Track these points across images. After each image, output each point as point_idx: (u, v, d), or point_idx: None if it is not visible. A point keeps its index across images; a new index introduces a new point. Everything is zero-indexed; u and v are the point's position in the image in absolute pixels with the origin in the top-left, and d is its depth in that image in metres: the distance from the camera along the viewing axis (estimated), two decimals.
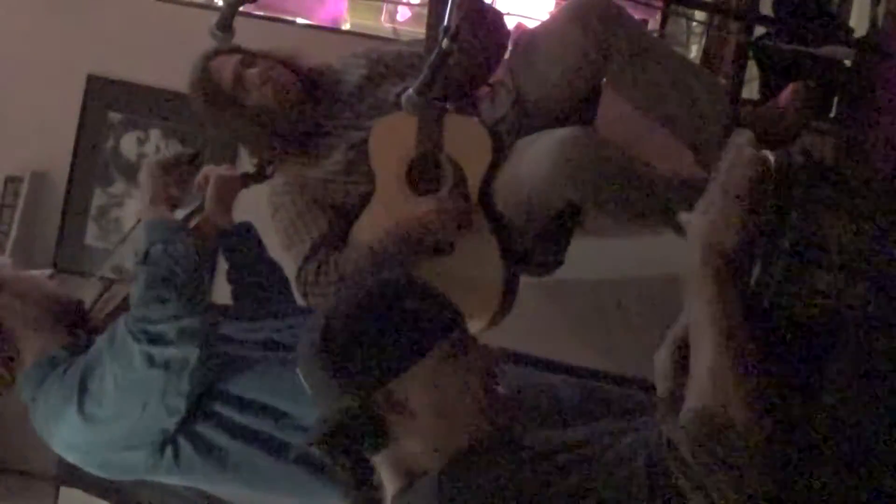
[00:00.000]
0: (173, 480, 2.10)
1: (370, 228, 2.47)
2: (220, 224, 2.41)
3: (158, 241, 2.04)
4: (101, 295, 2.21)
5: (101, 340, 2.02)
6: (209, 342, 2.00)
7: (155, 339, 1.95)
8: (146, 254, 2.02)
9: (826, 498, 1.37)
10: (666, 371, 1.47)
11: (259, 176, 2.50)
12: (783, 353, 1.41)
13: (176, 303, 1.97)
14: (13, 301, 2.08)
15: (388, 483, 1.50)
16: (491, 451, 1.44)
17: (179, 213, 2.35)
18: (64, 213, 3.54)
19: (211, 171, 2.44)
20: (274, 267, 2.47)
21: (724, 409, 1.33)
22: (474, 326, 2.43)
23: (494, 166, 2.41)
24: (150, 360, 1.94)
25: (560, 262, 2.55)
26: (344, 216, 2.52)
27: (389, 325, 1.45)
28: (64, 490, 2.92)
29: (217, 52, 2.50)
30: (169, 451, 2.01)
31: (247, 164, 2.74)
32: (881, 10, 2.63)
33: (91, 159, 3.52)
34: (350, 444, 1.47)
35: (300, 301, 2.47)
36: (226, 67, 2.47)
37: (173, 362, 1.95)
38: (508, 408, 1.51)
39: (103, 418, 1.97)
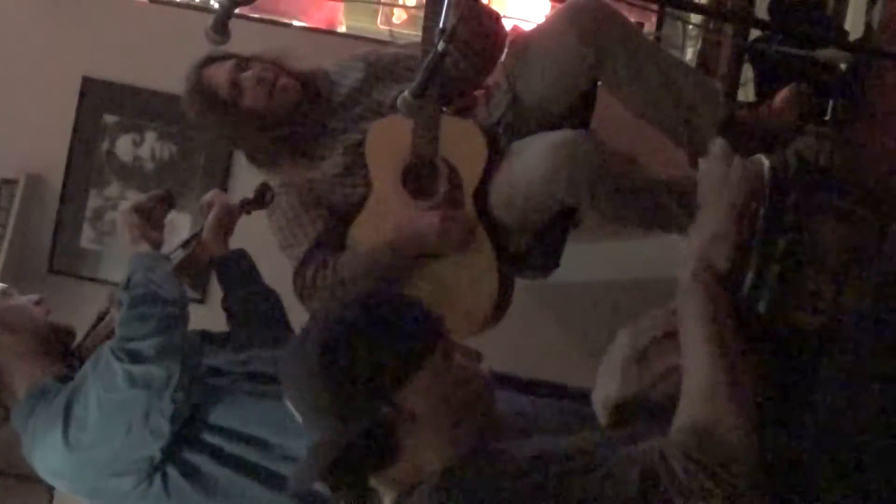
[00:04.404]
0: None
1: (367, 230, 2.48)
2: (215, 251, 2.40)
3: (139, 269, 2.10)
4: (95, 324, 2.21)
5: (87, 364, 2.03)
6: (191, 361, 2.01)
7: (136, 357, 1.96)
8: (128, 280, 2.08)
9: None
10: (618, 375, 1.46)
11: (259, 202, 2.50)
12: (777, 359, 1.41)
13: (156, 320, 2.00)
14: (1, 334, 2.08)
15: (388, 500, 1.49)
16: (487, 460, 1.44)
17: (177, 240, 2.38)
18: (59, 215, 3.53)
19: (217, 197, 2.45)
20: (269, 294, 2.45)
21: (717, 425, 1.33)
22: (468, 330, 2.43)
23: (490, 169, 2.42)
24: (132, 380, 1.95)
25: (556, 265, 2.55)
26: (341, 218, 2.52)
27: (384, 338, 1.45)
28: (58, 492, 2.92)
29: (210, 60, 2.50)
30: (158, 479, 2.00)
31: (241, 179, 2.72)
32: (877, 12, 2.63)
33: (86, 161, 3.52)
34: (358, 468, 1.45)
35: (297, 301, 2.47)
36: (220, 73, 2.47)
37: (154, 381, 1.95)
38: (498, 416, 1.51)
39: (87, 442, 1.97)
